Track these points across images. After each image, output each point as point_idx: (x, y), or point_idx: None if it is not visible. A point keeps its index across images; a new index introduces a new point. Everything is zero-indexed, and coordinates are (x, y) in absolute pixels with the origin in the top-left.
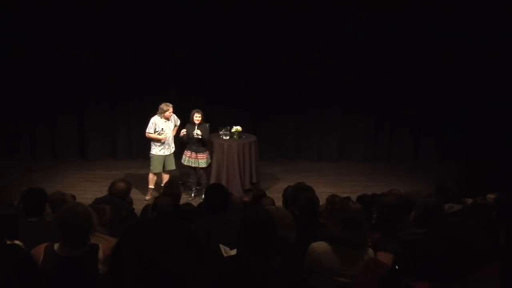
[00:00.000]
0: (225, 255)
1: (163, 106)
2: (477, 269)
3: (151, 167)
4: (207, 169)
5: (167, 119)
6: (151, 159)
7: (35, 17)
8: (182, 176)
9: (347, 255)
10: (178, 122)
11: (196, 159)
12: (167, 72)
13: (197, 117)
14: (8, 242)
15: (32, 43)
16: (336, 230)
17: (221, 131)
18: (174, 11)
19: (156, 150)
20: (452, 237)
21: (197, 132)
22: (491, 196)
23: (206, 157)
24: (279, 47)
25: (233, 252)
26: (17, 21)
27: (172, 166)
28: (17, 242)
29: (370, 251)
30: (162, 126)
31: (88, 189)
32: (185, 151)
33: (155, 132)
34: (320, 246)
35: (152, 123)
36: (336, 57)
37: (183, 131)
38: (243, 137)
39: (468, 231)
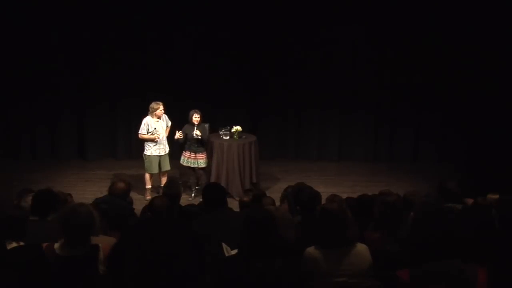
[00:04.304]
0: (226, 254)
1: (153, 105)
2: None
3: (147, 169)
4: (206, 169)
5: (159, 118)
6: (146, 160)
7: (35, 18)
8: (182, 176)
9: (340, 255)
10: (169, 123)
11: (195, 160)
12: (167, 72)
13: (196, 118)
14: (14, 243)
15: (33, 44)
16: (322, 234)
17: (221, 131)
18: (173, 11)
19: (151, 150)
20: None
21: (196, 132)
22: (491, 196)
23: (205, 157)
24: (279, 47)
25: (234, 252)
26: (18, 21)
27: (167, 166)
28: (21, 243)
29: (361, 245)
30: (155, 125)
31: (88, 189)
32: (184, 152)
33: (148, 133)
34: (313, 251)
35: (145, 123)
36: (336, 57)
37: (179, 133)
38: (243, 137)
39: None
